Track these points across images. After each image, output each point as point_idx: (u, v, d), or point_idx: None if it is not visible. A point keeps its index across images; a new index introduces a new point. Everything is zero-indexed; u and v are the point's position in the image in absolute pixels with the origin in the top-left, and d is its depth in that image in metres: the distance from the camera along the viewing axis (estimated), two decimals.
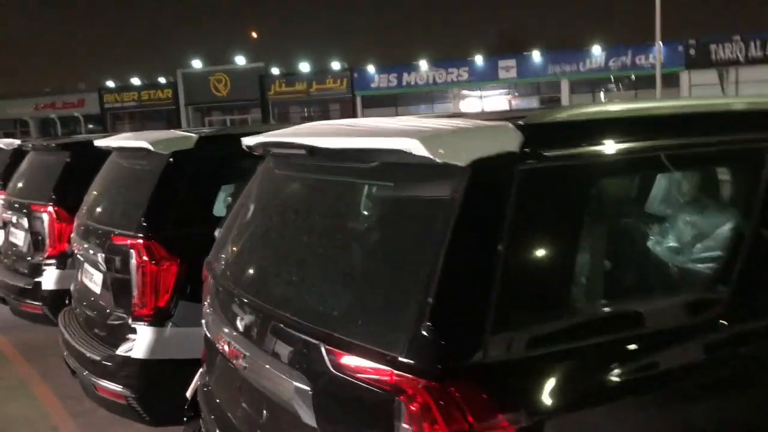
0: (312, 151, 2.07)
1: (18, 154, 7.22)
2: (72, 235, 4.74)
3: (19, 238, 6.22)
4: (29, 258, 6.00)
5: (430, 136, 1.72)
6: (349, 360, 1.74)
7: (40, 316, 5.84)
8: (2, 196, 7.00)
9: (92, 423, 4.64)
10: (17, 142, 7.90)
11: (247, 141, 2.70)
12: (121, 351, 3.81)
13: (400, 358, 1.61)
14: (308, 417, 1.86)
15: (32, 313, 5.92)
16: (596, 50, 33.30)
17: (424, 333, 1.57)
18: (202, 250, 3.35)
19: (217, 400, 2.57)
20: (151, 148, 3.93)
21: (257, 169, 2.87)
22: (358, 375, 1.71)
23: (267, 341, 2.10)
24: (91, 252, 4.19)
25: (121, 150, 4.45)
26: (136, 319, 3.78)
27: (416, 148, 1.69)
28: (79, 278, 4.53)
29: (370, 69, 37.59)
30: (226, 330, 2.36)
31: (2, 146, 7.85)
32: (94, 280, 4.25)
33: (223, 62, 40.56)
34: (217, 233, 3.04)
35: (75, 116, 41.44)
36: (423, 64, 36.24)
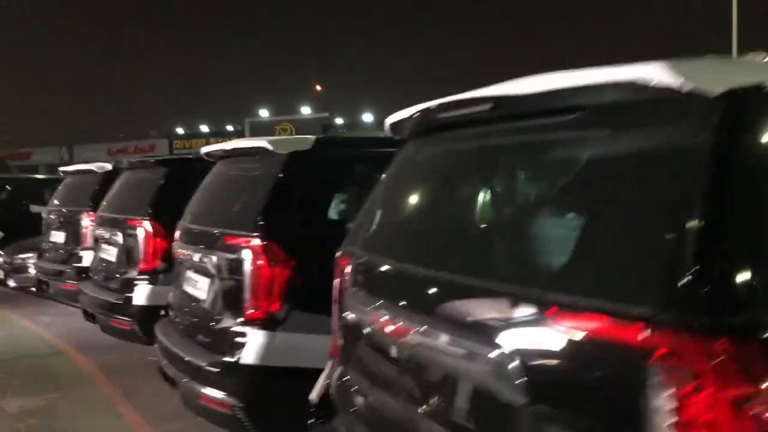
0: (502, 103, 1.86)
1: (108, 178, 7.25)
2: (174, 242, 4.63)
3: (111, 254, 6.17)
4: (121, 273, 5.93)
5: (675, 62, 1.48)
6: (576, 319, 1.48)
7: (129, 332, 5.72)
8: (92, 217, 7.02)
9: None
10: (109, 165, 7.97)
11: (395, 117, 2.51)
12: (228, 357, 3.61)
13: (654, 313, 1.34)
14: (513, 393, 1.59)
15: (121, 329, 5.80)
16: None
17: (687, 283, 1.30)
18: (316, 254, 3.18)
19: (359, 390, 2.32)
20: (269, 147, 3.83)
21: (399, 153, 2.67)
22: (590, 337, 1.45)
23: (453, 312, 1.85)
24: (198, 256, 4.05)
25: (233, 154, 4.36)
26: (247, 322, 3.58)
27: (658, 75, 1.46)
28: (181, 286, 4.39)
29: None
30: (388, 309, 2.13)
31: (94, 169, 7.92)
32: (198, 286, 4.09)
33: (289, 112, 41.50)
34: (350, 226, 2.84)
35: None
36: None
